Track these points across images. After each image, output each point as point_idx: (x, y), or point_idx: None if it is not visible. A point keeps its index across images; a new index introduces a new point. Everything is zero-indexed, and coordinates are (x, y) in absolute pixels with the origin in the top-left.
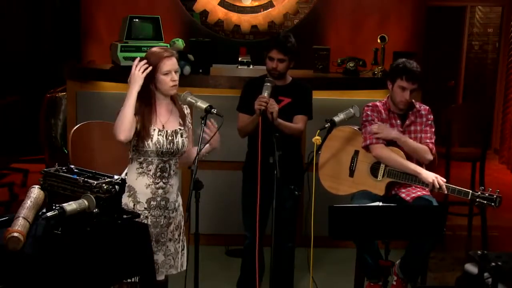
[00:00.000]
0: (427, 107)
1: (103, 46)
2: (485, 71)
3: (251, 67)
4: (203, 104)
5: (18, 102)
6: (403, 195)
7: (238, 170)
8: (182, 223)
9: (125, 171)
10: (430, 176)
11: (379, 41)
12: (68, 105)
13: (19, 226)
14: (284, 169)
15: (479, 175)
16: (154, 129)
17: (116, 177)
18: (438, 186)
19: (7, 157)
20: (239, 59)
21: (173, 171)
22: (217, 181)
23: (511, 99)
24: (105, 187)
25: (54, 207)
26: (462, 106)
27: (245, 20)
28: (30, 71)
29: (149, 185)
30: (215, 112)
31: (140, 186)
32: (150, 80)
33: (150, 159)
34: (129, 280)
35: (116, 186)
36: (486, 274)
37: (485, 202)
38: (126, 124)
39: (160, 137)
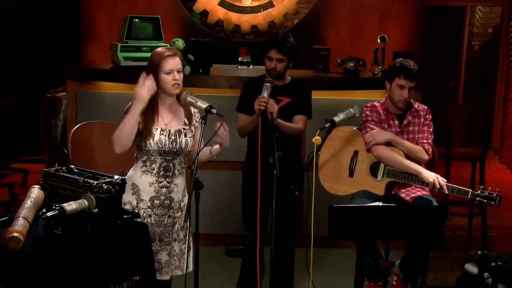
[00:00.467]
0: (425, 107)
1: (103, 46)
2: (485, 71)
3: (251, 67)
4: (203, 104)
5: (18, 102)
6: (403, 195)
7: (238, 170)
8: (188, 224)
9: (131, 170)
10: (430, 176)
11: (379, 41)
12: (68, 105)
13: (19, 226)
14: (284, 169)
15: (479, 175)
16: (157, 128)
17: (116, 177)
18: (438, 186)
19: (7, 157)
20: (239, 59)
21: (178, 170)
22: (217, 181)
23: (511, 99)
24: (105, 187)
25: (54, 207)
26: (462, 106)
27: (245, 20)
28: (30, 71)
29: (152, 183)
30: (215, 112)
31: (143, 184)
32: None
33: (153, 158)
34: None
35: (116, 186)
36: (486, 274)
37: (485, 200)
38: (123, 140)
39: (162, 136)
